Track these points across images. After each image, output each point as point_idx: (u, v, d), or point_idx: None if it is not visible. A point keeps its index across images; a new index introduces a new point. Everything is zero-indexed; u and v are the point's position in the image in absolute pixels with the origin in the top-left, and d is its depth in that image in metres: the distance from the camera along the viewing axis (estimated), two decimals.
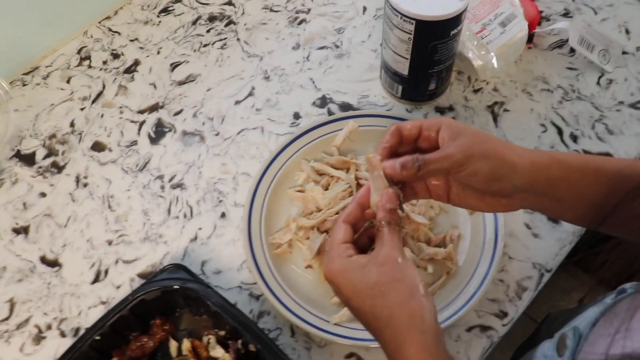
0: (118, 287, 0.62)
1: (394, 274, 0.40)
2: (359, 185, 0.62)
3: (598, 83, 0.73)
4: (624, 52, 0.75)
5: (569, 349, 0.48)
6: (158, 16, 0.83)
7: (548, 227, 0.63)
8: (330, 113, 0.72)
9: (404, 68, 0.66)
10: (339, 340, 0.55)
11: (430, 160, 0.43)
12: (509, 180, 0.43)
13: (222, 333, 0.56)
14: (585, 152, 0.68)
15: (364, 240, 0.46)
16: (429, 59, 0.64)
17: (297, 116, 0.72)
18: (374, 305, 0.40)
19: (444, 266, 0.59)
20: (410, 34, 0.61)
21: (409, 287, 0.40)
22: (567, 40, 0.75)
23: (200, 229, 0.65)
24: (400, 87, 0.70)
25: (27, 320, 0.60)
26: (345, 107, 0.72)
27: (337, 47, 0.78)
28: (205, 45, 0.80)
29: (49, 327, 0.60)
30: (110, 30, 0.82)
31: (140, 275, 0.62)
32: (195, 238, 0.64)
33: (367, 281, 0.40)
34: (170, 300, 0.56)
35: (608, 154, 0.68)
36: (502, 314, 0.58)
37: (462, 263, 0.60)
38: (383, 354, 0.42)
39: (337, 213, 0.60)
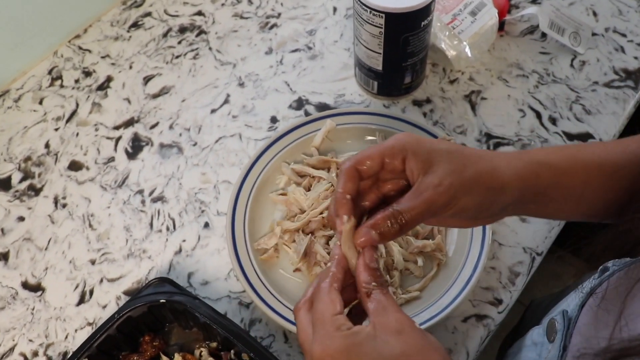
0: (104, 307, 0.60)
1: (421, 342, 0.33)
2: None
3: (572, 65, 0.74)
4: (593, 34, 0.76)
5: (559, 332, 0.47)
6: (128, 31, 0.82)
7: None
8: (307, 114, 0.71)
9: (377, 63, 0.66)
10: None
11: (411, 216, 0.37)
12: (498, 203, 0.40)
13: (214, 345, 0.55)
14: (565, 133, 0.68)
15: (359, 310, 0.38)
16: (401, 52, 0.64)
17: (274, 120, 0.72)
18: None
19: (434, 258, 0.59)
20: (381, 27, 0.61)
21: (443, 356, 0.34)
22: (537, 26, 0.75)
23: (184, 240, 0.64)
24: (375, 83, 0.69)
25: (11, 349, 0.59)
26: (321, 107, 0.72)
27: (309, 48, 0.78)
28: (177, 57, 0.79)
29: (35, 354, 0.58)
30: (80, 48, 0.81)
31: (126, 293, 0.61)
32: (180, 250, 0.63)
33: (390, 353, 0.32)
34: (158, 315, 0.55)
35: (588, 134, 0.68)
36: (497, 302, 0.58)
37: (452, 254, 0.59)
38: None
39: (321, 213, 0.59)
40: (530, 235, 0.61)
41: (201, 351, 0.54)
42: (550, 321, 0.50)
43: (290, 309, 0.56)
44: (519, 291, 0.60)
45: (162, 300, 0.53)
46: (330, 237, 0.59)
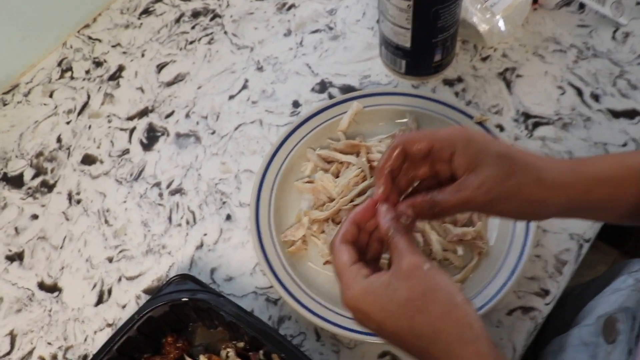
0: (124, 307, 0.58)
1: (425, 284, 0.36)
2: (371, 169, 0.58)
3: (614, 38, 0.69)
4: (637, 3, 0.71)
5: (624, 333, 0.43)
6: (139, 18, 0.79)
7: None
8: (331, 97, 0.68)
9: (405, 40, 0.62)
10: (369, 339, 0.51)
11: (445, 208, 0.39)
12: (537, 214, 0.41)
13: (241, 345, 0.52)
14: (610, 110, 0.63)
15: (374, 250, 0.42)
16: (432, 27, 0.60)
17: (296, 104, 0.68)
18: (413, 325, 0.35)
19: (475, 246, 0.55)
20: (410, 0, 0.57)
21: (447, 295, 0.35)
22: None
23: (205, 234, 0.61)
24: (403, 62, 0.65)
25: (30, 353, 0.57)
26: (346, 89, 0.68)
27: (330, 29, 0.74)
28: (191, 43, 0.75)
29: (54, 358, 0.56)
30: (90, 38, 0.78)
31: (146, 291, 0.58)
32: (201, 245, 0.60)
33: (398, 299, 0.36)
34: (181, 314, 0.52)
35: (634, 111, 0.63)
36: (544, 292, 0.54)
37: (493, 242, 0.55)
38: None
39: (351, 201, 0.56)
40: (577, 220, 0.57)
41: (228, 352, 0.52)
42: (608, 319, 0.46)
43: (321, 304, 0.53)
44: (567, 281, 0.56)
45: (184, 299, 0.51)
46: None
